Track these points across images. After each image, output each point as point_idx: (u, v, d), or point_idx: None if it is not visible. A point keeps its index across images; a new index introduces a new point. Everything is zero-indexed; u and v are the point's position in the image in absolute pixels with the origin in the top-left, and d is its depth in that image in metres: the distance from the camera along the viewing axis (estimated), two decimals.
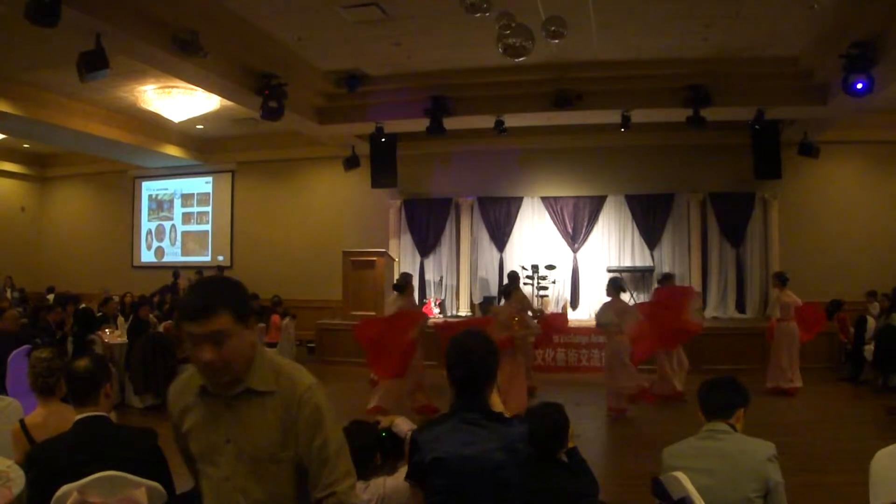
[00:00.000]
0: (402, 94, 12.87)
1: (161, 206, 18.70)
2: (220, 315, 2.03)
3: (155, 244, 18.69)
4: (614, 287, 9.54)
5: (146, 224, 18.80)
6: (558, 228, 15.36)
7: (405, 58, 11.55)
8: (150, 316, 11.20)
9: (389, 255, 14.74)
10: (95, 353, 4.55)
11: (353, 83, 12.41)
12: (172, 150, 16.38)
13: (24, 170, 19.01)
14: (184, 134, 16.18)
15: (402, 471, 3.03)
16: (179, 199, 18.47)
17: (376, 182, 14.64)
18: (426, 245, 15.95)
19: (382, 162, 14.36)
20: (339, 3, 9.33)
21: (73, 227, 19.17)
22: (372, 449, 3.49)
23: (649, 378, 9.69)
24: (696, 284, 14.14)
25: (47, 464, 3.02)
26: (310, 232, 16.70)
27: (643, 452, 6.93)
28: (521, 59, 7.90)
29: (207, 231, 18.14)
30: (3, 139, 16.15)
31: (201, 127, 15.69)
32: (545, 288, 14.56)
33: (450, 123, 12.69)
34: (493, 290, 15.37)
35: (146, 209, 18.83)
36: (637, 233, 15.13)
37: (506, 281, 15.19)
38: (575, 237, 15.26)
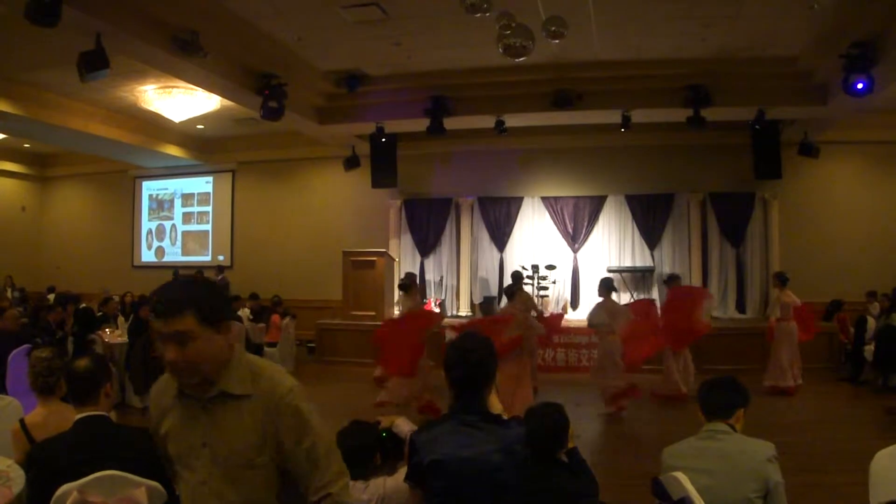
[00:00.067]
0: (403, 94, 12.88)
1: (161, 206, 18.71)
2: (185, 316, 2.00)
3: (155, 244, 18.70)
4: (606, 287, 9.57)
5: (146, 224, 18.81)
6: (558, 228, 15.36)
7: (405, 58, 11.55)
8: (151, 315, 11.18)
9: (389, 255, 14.74)
10: (96, 353, 4.55)
11: (354, 83, 12.42)
12: (173, 150, 16.39)
13: (24, 169, 19.02)
14: (184, 134, 16.19)
15: (402, 471, 3.03)
16: (180, 199, 18.47)
17: (376, 182, 14.65)
18: (426, 245, 15.95)
19: (382, 162, 14.37)
20: (339, 3, 9.33)
21: (73, 227, 19.18)
22: (372, 449, 3.49)
23: (652, 379, 9.70)
24: (696, 284, 14.12)
25: (47, 463, 3.02)
26: (310, 232, 16.70)
27: (643, 452, 6.93)
28: (521, 59, 7.91)
29: (208, 231, 18.14)
30: (3, 139, 16.16)
31: (201, 127, 15.70)
32: (545, 288, 14.56)
33: (450, 123, 12.70)
34: (494, 290, 15.37)
35: (146, 209, 18.84)
36: (637, 233, 15.12)
37: (507, 281, 15.34)
38: (575, 237, 15.26)
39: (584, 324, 10.23)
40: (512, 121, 13.01)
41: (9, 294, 15.99)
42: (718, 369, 9.45)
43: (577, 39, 9.86)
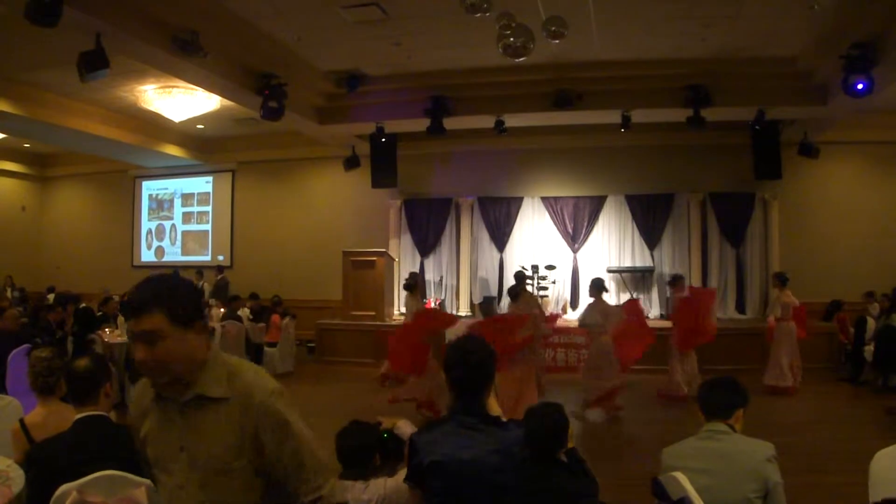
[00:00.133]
0: (403, 94, 12.89)
1: (161, 206, 18.71)
2: (153, 315, 1.96)
3: (155, 244, 18.70)
4: (596, 288, 9.57)
5: (146, 224, 18.81)
6: (558, 228, 15.36)
7: (405, 58, 11.55)
8: None
9: (389, 255, 14.74)
10: (95, 353, 4.56)
11: (354, 83, 12.42)
12: (173, 150, 16.39)
13: (24, 169, 19.02)
14: (184, 134, 16.19)
15: (403, 472, 3.05)
16: (179, 199, 18.47)
17: (376, 182, 14.65)
18: (426, 245, 15.95)
19: (382, 162, 14.37)
20: (339, 3, 9.33)
21: (73, 227, 19.18)
22: (371, 449, 3.49)
23: (650, 378, 9.69)
24: (696, 284, 14.12)
25: (47, 463, 3.02)
26: (310, 232, 16.70)
27: (643, 452, 6.93)
28: (521, 59, 7.90)
29: (207, 231, 18.14)
30: (3, 139, 16.16)
31: (201, 127, 15.70)
32: (545, 288, 14.57)
33: (450, 123, 12.70)
34: (493, 290, 15.38)
35: (146, 209, 18.84)
36: (637, 233, 15.12)
37: (507, 281, 15.33)
38: (575, 237, 15.26)
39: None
40: (512, 121, 13.01)
41: (9, 294, 15.99)
42: (718, 369, 9.44)
43: (577, 39, 9.86)
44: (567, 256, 15.24)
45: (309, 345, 14.51)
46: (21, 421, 3.77)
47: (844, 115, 12.42)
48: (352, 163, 14.79)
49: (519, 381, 8.12)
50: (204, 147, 17.30)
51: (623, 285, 14.95)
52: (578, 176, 15.32)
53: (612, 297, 14.66)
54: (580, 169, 15.29)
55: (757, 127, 12.86)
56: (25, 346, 7.41)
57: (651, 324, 13.48)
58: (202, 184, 18.21)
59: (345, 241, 14.96)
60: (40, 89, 12.47)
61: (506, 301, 14.82)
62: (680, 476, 2.97)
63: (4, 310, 9.12)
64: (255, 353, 12.15)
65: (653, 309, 14.85)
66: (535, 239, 15.56)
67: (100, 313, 11.53)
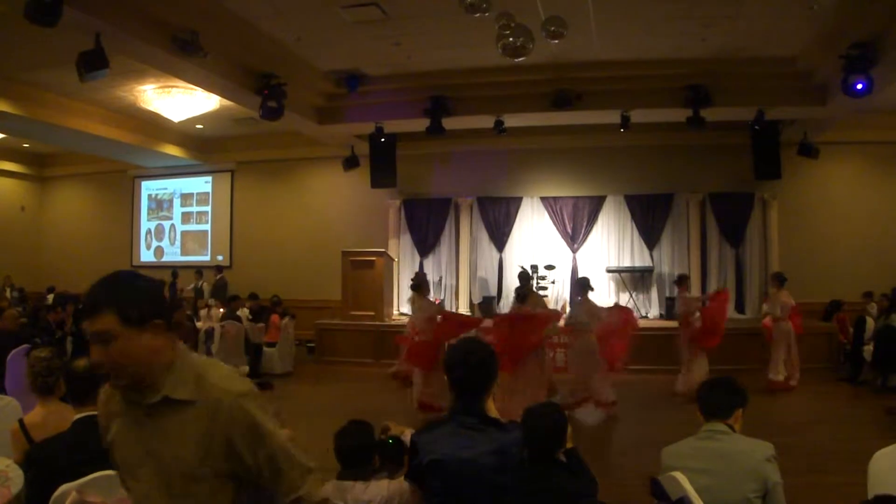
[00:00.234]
0: (402, 94, 12.88)
1: (160, 206, 18.70)
2: (104, 315, 1.89)
3: (154, 244, 18.69)
4: (582, 286, 9.56)
5: (145, 224, 18.81)
6: (558, 228, 15.36)
7: (405, 58, 11.55)
8: None
9: (389, 255, 14.74)
10: None
11: (353, 83, 12.43)
12: (172, 150, 16.38)
13: (23, 169, 19.01)
14: (183, 133, 16.18)
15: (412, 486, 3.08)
16: (179, 199, 18.47)
17: (376, 182, 14.65)
18: (425, 245, 15.95)
19: (382, 162, 14.37)
20: (339, 4, 9.33)
21: (72, 227, 19.17)
22: (370, 448, 3.49)
23: (651, 379, 9.68)
24: (695, 284, 14.14)
25: (46, 463, 3.02)
26: (309, 232, 16.70)
27: (642, 452, 6.93)
28: (520, 59, 7.91)
29: (207, 231, 18.13)
30: (2, 139, 16.15)
31: (201, 126, 15.69)
32: (544, 288, 14.56)
33: (449, 123, 12.70)
34: (493, 290, 15.38)
35: (145, 209, 18.83)
36: (636, 233, 15.13)
37: (506, 281, 15.35)
38: (574, 237, 15.26)
39: None
40: (511, 121, 13.00)
41: (8, 294, 15.99)
42: (718, 369, 9.48)
43: (576, 39, 9.86)
44: (566, 256, 15.24)
45: (308, 345, 14.50)
46: (20, 421, 3.77)
47: (844, 115, 12.42)
48: (351, 163, 14.78)
49: (535, 381, 8.15)
50: (203, 147, 17.29)
51: (622, 285, 14.96)
52: (578, 176, 15.32)
53: (611, 297, 14.75)
54: (579, 169, 15.29)
55: (756, 127, 12.86)
56: (25, 346, 7.42)
57: (650, 324, 13.60)
58: (201, 184, 18.20)
59: (344, 241, 14.95)
60: (40, 89, 12.47)
61: (505, 301, 14.95)
62: (679, 476, 2.97)
63: (4, 310, 9.13)
64: (254, 353, 12.15)
65: (652, 309, 14.87)
66: (534, 239, 15.56)
67: None
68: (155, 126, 15.07)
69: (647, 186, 14.92)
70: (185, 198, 18.40)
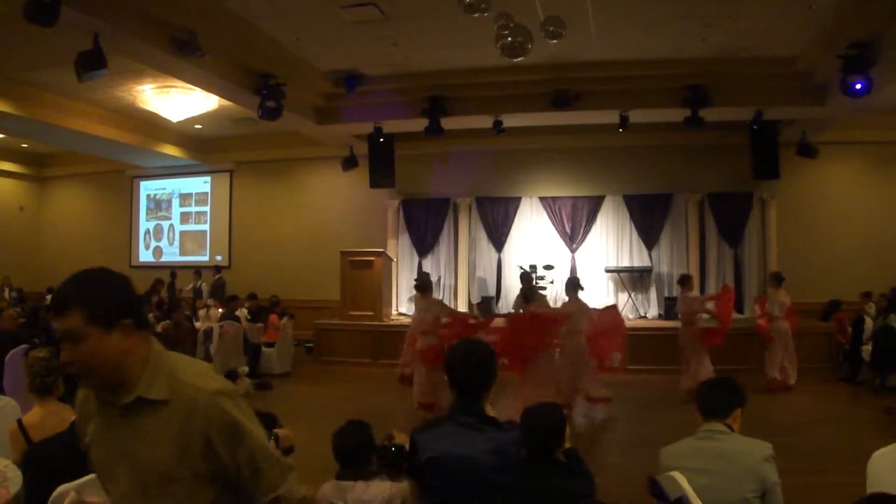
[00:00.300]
0: (401, 95, 12.88)
1: (159, 206, 18.69)
2: (70, 314, 1.85)
3: (153, 244, 18.68)
4: (572, 286, 9.56)
5: (144, 224, 18.79)
6: (556, 228, 15.36)
7: (403, 58, 11.55)
8: (150, 316, 11.19)
9: (387, 255, 14.74)
10: None
11: (352, 83, 12.42)
12: (170, 150, 16.37)
13: (22, 169, 18.99)
14: (182, 134, 16.17)
15: (407, 480, 3.11)
16: (177, 199, 18.45)
17: (374, 182, 14.64)
18: (424, 245, 15.95)
19: (381, 162, 14.36)
20: (338, 4, 9.33)
21: (71, 227, 19.15)
22: (369, 448, 3.50)
23: (651, 379, 9.67)
24: (694, 284, 14.11)
25: (45, 463, 3.02)
26: (308, 232, 16.69)
27: (642, 452, 6.93)
28: (519, 59, 7.90)
29: (206, 231, 18.12)
30: (1, 139, 16.14)
31: (199, 127, 15.68)
32: (543, 288, 14.52)
33: (448, 123, 12.70)
34: (491, 290, 15.38)
35: (144, 209, 18.82)
36: (635, 233, 15.13)
37: (506, 281, 15.35)
38: (573, 237, 15.26)
39: None
40: (510, 121, 13.00)
41: (6, 294, 15.97)
42: (717, 369, 9.51)
43: (575, 39, 9.85)
44: (565, 256, 15.24)
45: (307, 345, 14.51)
46: (19, 421, 3.76)
47: (843, 115, 12.43)
48: (350, 163, 14.78)
49: (544, 381, 8.16)
50: (202, 147, 17.28)
51: (621, 285, 14.96)
52: (576, 176, 15.32)
53: (610, 297, 14.76)
54: (578, 169, 15.29)
55: (755, 127, 12.86)
56: (23, 346, 7.41)
57: (649, 324, 13.62)
58: (200, 184, 18.19)
59: (343, 241, 14.96)
60: (38, 89, 12.46)
61: (504, 301, 14.95)
62: (678, 476, 2.97)
63: (2, 310, 9.13)
64: (253, 353, 12.15)
65: (651, 309, 14.87)
66: (533, 239, 15.55)
67: None
68: (153, 126, 15.06)
69: (645, 186, 14.92)
70: (184, 198, 18.39)
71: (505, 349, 8.59)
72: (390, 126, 13.67)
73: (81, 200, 19.41)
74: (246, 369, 11.22)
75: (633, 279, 15.00)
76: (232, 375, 10.57)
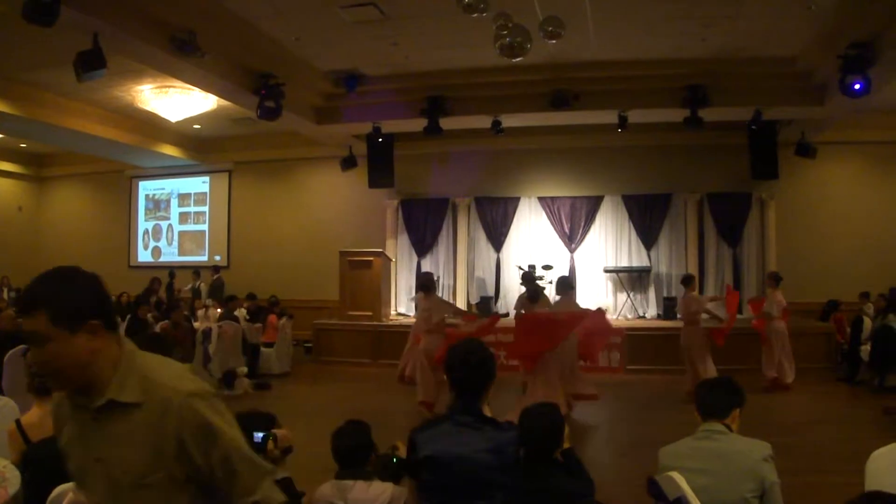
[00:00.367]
0: (400, 95, 12.87)
1: (158, 206, 18.68)
2: (35, 315, 1.79)
3: (152, 244, 18.67)
4: (563, 285, 9.57)
5: (143, 224, 18.79)
6: (555, 228, 15.36)
7: (403, 58, 11.55)
8: (149, 316, 11.19)
9: (386, 256, 14.73)
10: None
11: (351, 83, 12.42)
12: (169, 150, 16.37)
13: (21, 169, 18.98)
14: (181, 134, 16.17)
15: (407, 481, 3.13)
16: (176, 199, 18.45)
17: (373, 182, 14.63)
18: (423, 245, 15.94)
19: (380, 162, 14.37)
20: (338, 4, 9.33)
21: (70, 227, 19.14)
22: (368, 448, 3.50)
23: (650, 379, 9.67)
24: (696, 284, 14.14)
25: (43, 464, 3.02)
26: (307, 232, 16.69)
27: (641, 452, 6.93)
28: (518, 59, 7.90)
29: (204, 231, 18.12)
30: (0, 139, 16.13)
31: (198, 127, 15.67)
32: (543, 288, 14.52)
33: (447, 124, 12.70)
34: (490, 290, 15.38)
35: (143, 209, 18.81)
36: (634, 233, 15.13)
37: (504, 281, 15.34)
38: (572, 237, 15.26)
39: None
40: (509, 121, 13.00)
41: (5, 294, 15.97)
42: (716, 369, 9.52)
43: (574, 39, 9.83)
44: (564, 256, 15.23)
45: (306, 345, 14.51)
46: (17, 422, 3.76)
47: (842, 115, 12.44)
48: (349, 163, 14.78)
49: (554, 381, 8.17)
50: (201, 147, 17.27)
51: (620, 285, 14.96)
52: (575, 176, 15.32)
53: (608, 297, 14.78)
54: (577, 169, 15.30)
55: (754, 127, 12.87)
56: (22, 346, 7.39)
57: (648, 324, 13.62)
58: (199, 184, 18.18)
59: (342, 241, 14.96)
60: (38, 89, 12.45)
61: (503, 301, 14.95)
62: (676, 476, 2.97)
63: (1, 310, 9.11)
64: (251, 353, 12.15)
65: (650, 309, 14.87)
66: (532, 239, 15.55)
67: None
68: (152, 126, 15.05)
69: (644, 186, 14.92)
70: (183, 198, 18.38)
71: (518, 349, 8.61)
72: (389, 126, 13.67)
73: (80, 200, 19.40)
74: (245, 369, 11.25)
75: (631, 279, 15.00)
76: (231, 375, 10.62)
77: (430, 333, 9.06)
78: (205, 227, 18.10)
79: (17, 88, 12.10)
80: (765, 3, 9.29)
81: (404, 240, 16.13)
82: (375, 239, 15.58)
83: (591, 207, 15.27)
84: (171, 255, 18.35)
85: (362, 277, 14.00)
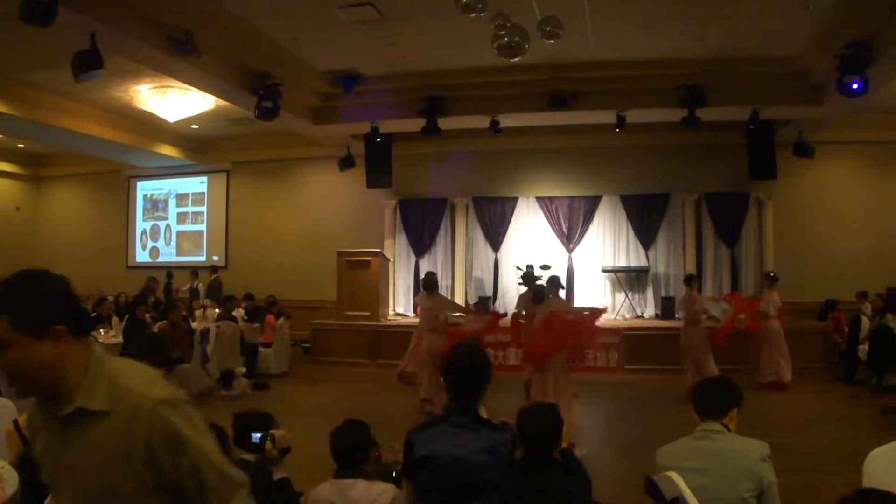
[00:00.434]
0: (398, 95, 12.87)
1: (156, 206, 18.66)
2: None
3: (150, 244, 18.65)
4: (553, 285, 9.57)
5: (141, 224, 18.76)
6: (553, 228, 15.36)
7: (400, 58, 11.54)
8: (147, 316, 11.18)
9: (384, 256, 14.73)
10: None
11: (349, 83, 12.40)
12: (167, 150, 16.35)
13: (19, 169, 18.96)
14: (179, 134, 16.15)
15: (403, 482, 3.14)
16: (174, 199, 18.42)
17: (371, 182, 14.63)
18: (421, 245, 15.94)
19: (377, 162, 14.36)
20: (335, 4, 9.32)
21: (67, 227, 19.12)
22: (366, 448, 3.51)
23: (648, 379, 9.67)
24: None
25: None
26: (305, 232, 16.68)
27: (641, 452, 6.93)
28: (516, 59, 7.90)
29: (202, 231, 18.10)
30: None
31: (196, 127, 15.66)
32: (545, 288, 14.52)
33: (445, 123, 12.70)
34: (488, 290, 15.37)
35: (141, 209, 18.79)
36: (632, 233, 15.13)
37: (503, 280, 15.33)
38: (570, 237, 15.27)
39: None
40: (507, 121, 13.00)
41: None
42: (716, 368, 9.53)
43: (572, 39, 9.84)
44: (562, 256, 15.23)
45: (304, 345, 14.50)
46: (15, 422, 3.75)
47: (839, 115, 12.45)
48: (347, 163, 14.78)
49: (562, 382, 8.17)
50: (198, 147, 17.25)
51: (618, 285, 14.97)
52: (573, 176, 15.32)
53: (607, 297, 14.79)
54: (575, 169, 15.30)
55: (751, 127, 12.88)
56: None
57: (647, 324, 13.63)
58: (197, 184, 18.16)
59: (340, 242, 14.95)
60: (35, 89, 12.43)
61: (501, 301, 14.95)
62: (674, 475, 2.97)
63: None
64: (250, 353, 12.14)
65: (648, 309, 14.88)
66: (530, 239, 15.55)
67: (94, 314, 11.50)
68: (150, 126, 15.03)
69: (642, 186, 14.93)
70: (181, 198, 18.36)
71: (534, 350, 8.60)
72: (387, 126, 13.64)
73: (78, 201, 19.39)
74: (243, 370, 11.25)
75: (629, 279, 15.01)
76: (229, 376, 10.61)
77: (433, 332, 9.06)
78: (203, 227, 18.09)
79: (14, 89, 12.08)
80: (763, 3, 9.29)
81: (402, 240, 16.13)
82: (373, 239, 15.57)
83: (589, 207, 15.27)
84: (168, 255, 18.34)
85: (360, 277, 14.00)
